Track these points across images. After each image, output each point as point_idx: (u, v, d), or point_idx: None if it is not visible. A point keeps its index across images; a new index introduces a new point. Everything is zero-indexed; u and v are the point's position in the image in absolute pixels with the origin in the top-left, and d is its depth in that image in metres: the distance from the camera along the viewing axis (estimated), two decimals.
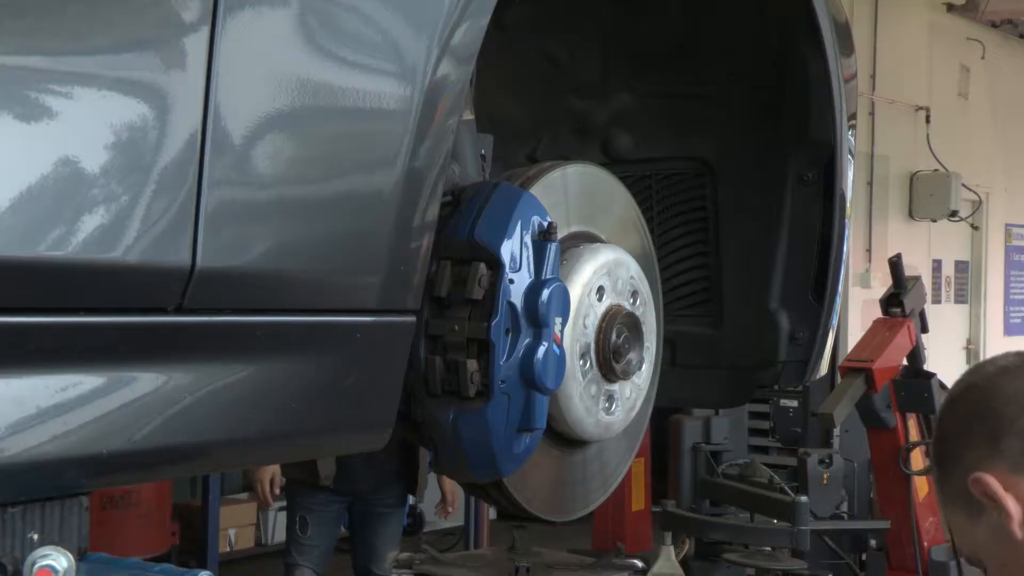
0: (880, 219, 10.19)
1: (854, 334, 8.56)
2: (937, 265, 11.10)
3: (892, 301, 5.53)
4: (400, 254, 1.64)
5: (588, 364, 2.00)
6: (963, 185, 10.46)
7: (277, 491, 5.05)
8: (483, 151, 2.08)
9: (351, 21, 1.55)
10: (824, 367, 2.61)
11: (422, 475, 4.80)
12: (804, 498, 5.27)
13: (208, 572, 1.53)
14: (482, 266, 1.79)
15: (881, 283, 8.34)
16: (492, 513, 8.04)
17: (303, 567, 4.80)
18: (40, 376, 1.29)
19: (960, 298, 11.57)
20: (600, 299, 2.02)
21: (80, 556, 1.44)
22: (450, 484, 5.22)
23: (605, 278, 2.03)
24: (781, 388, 5.78)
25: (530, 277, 1.83)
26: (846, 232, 2.52)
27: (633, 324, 2.08)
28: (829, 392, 5.56)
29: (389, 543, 4.89)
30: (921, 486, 5.39)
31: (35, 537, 1.39)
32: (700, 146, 2.65)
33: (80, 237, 1.26)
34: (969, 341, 11.74)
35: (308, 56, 1.49)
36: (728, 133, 2.60)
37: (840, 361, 5.57)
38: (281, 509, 8.04)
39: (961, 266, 11.58)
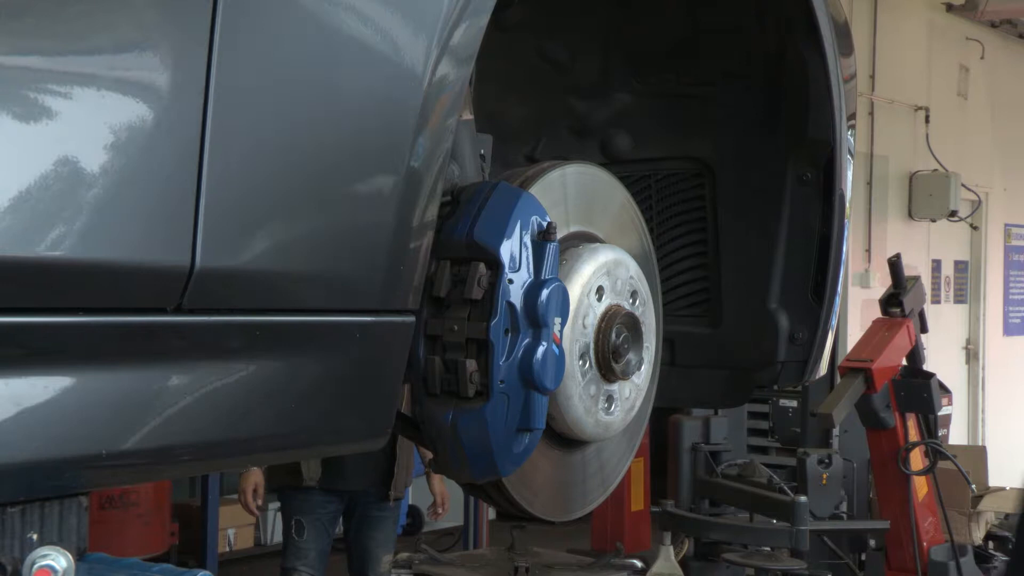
0: (879, 219, 10.19)
1: (854, 334, 8.57)
2: (936, 265, 11.11)
3: (891, 301, 5.54)
4: (399, 254, 1.64)
5: (587, 364, 2.00)
6: (962, 185, 10.47)
7: (260, 501, 5.05)
8: (482, 151, 2.08)
9: (350, 21, 1.55)
10: (823, 367, 2.61)
11: (399, 470, 4.79)
12: (803, 498, 5.28)
13: (207, 572, 1.53)
14: (481, 266, 1.79)
15: (881, 283, 8.35)
16: (491, 513, 8.05)
17: (300, 571, 4.80)
18: (40, 376, 1.29)
19: (959, 298, 11.58)
20: (599, 299, 2.02)
21: (79, 556, 1.44)
22: (440, 486, 5.23)
23: (604, 278, 2.03)
24: (780, 388, 5.79)
25: (529, 277, 1.83)
26: (845, 232, 2.52)
27: (632, 324, 2.08)
28: (828, 392, 5.56)
29: (384, 547, 4.90)
30: (920, 486, 5.39)
31: (34, 537, 1.39)
32: (699, 146, 2.65)
33: (80, 237, 1.26)
34: (968, 341, 11.75)
35: (307, 56, 1.49)
36: (727, 133, 2.61)
37: (839, 361, 5.58)
38: (280, 509, 8.07)
39: (960, 266, 11.59)
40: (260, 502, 5.05)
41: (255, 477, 4.96)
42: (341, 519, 4.99)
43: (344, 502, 4.89)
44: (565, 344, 1.90)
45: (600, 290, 2.02)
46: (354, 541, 4.98)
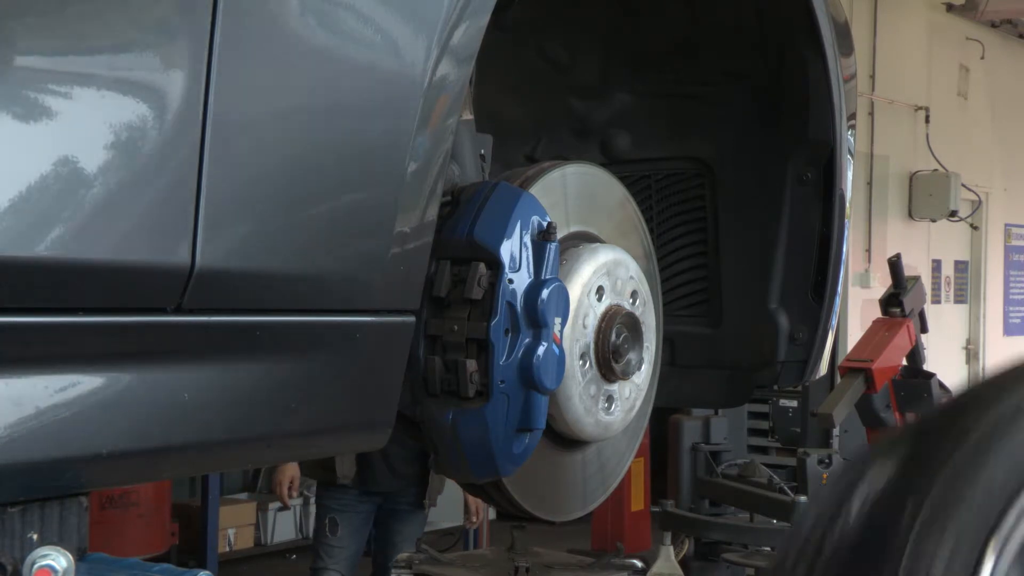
0: (879, 219, 10.19)
1: (854, 334, 8.56)
2: (937, 265, 11.11)
3: (891, 301, 5.53)
4: (399, 254, 1.64)
5: (587, 364, 2.00)
6: (962, 185, 10.46)
7: (295, 493, 5.06)
8: (482, 151, 2.08)
9: (350, 21, 1.55)
10: (823, 367, 2.61)
11: (434, 481, 4.80)
12: (803, 498, 5.27)
13: (207, 572, 1.53)
14: (481, 266, 1.79)
15: (881, 283, 8.35)
16: (491, 513, 8.05)
17: (331, 570, 4.78)
18: (40, 376, 1.29)
19: (960, 298, 11.58)
20: (599, 299, 2.02)
21: (79, 556, 1.44)
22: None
23: (604, 278, 2.03)
24: (780, 388, 5.78)
25: (529, 277, 1.83)
26: (845, 232, 2.52)
27: (632, 324, 2.08)
28: (828, 392, 5.55)
29: (408, 541, 4.89)
30: None
31: (34, 537, 1.39)
32: (699, 146, 2.65)
33: (80, 237, 1.26)
34: (969, 341, 11.75)
35: (307, 56, 1.49)
36: (727, 133, 2.60)
37: (839, 361, 5.57)
38: (281, 509, 8.06)
39: (961, 266, 11.58)
40: (295, 495, 5.06)
41: (291, 471, 4.97)
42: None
43: (377, 504, 4.90)
44: (565, 344, 1.90)
45: (600, 290, 2.02)
46: (380, 534, 4.98)
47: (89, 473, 1.40)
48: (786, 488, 5.55)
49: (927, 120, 10.47)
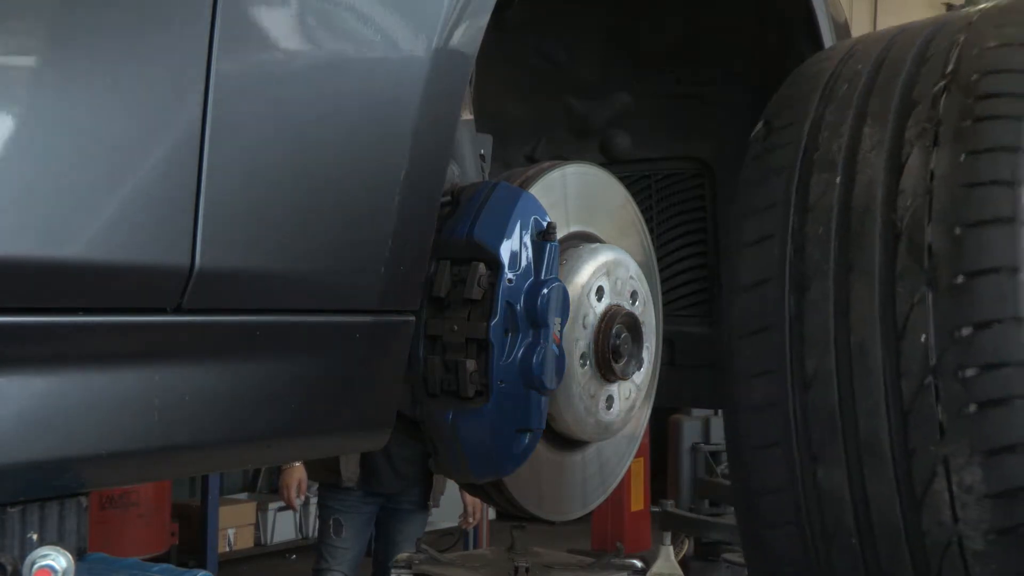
0: None
1: None
2: None
3: None
4: (399, 254, 1.64)
5: (587, 364, 2.00)
6: None
7: (303, 497, 5.08)
8: (483, 151, 2.09)
9: (350, 20, 1.55)
10: None
11: (437, 482, 4.81)
12: None
13: (207, 572, 1.53)
14: (481, 266, 1.79)
15: None
16: (491, 513, 8.05)
17: (335, 571, 4.80)
18: (40, 376, 1.29)
19: None
20: (599, 299, 2.02)
21: (79, 556, 1.44)
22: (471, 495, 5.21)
23: (604, 278, 2.03)
24: None
25: (529, 277, 1.83)
26: None
27: (632, 324, 2.08)
28: None
29: (409, 540, 4.90)
30: None
31: (34, 537, 1.39)
32: (699, 146, 2.65)
33: (79, 237, 1.26)
34: None
35: (307, 56, 1.49)
36: (727, 133, 2.61)
37: None
38: (281, 509, 8.07)
39: None
40: (303, 498, 5.08)
41: (298, 473, 4.99)
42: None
43: (380, 504, 4.91)
44: (565, 344, 1.90)
45: (600, 290, 2.02)
46: (382, 533, 4.99)
47: (89, 473, 1.40)
48: None
49: None
